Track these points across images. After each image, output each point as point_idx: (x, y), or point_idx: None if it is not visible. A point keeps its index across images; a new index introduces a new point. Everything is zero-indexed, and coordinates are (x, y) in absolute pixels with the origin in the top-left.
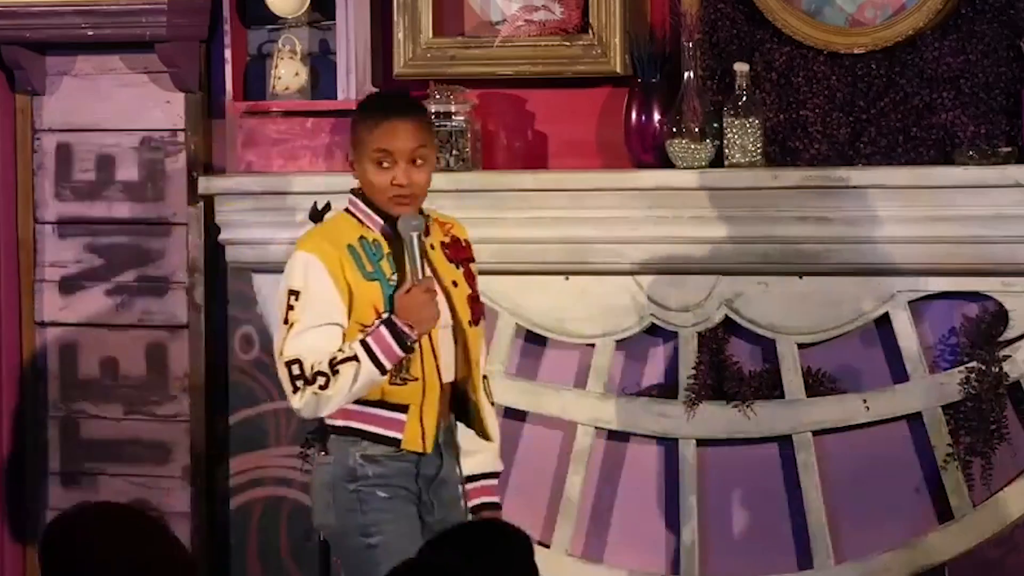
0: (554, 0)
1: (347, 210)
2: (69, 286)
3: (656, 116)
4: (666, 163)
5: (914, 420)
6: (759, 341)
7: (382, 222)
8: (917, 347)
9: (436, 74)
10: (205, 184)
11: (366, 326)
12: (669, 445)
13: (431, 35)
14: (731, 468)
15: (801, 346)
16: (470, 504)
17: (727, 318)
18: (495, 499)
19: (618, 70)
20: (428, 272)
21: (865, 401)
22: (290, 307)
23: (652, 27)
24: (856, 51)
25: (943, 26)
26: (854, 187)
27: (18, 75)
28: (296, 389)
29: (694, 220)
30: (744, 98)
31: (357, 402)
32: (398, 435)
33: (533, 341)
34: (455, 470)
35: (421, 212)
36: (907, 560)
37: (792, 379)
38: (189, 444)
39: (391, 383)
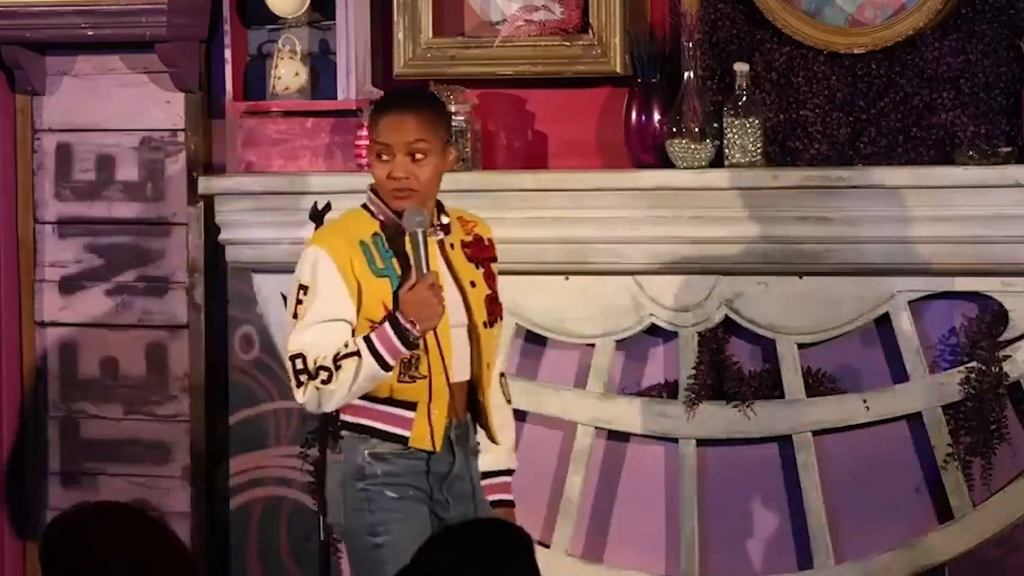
0: (554, 0)
1: (364, 206)
2: (69, 286)
3: (656, 116)
4: (666, 163)
5: (914, 420)
6: (759, 341)
7: (385, 217)
8: (917, 347)
9: (436, 74)
10: (205, 184)
11: (375, 322)
12: (669, 445)
13: (431, 35)
14: (731, 468)
15: (801, 346)
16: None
17: (727, 318)
18: (509, 496)
19: (618, 70)
20: (434, 268)
21: (865, 401)
22: (299, 301)
23: (652, 27)
24: (856, 51)
25: (943, 26)
26: (854, 187)
27: (18, 75)
28: (300, 383)
29: (694, 220)
30: (744, 98)
31: (367, 398)
32: (406, 432)
33: (533, 341)
34: (469, 466)
35: (440, 209)
36: (907, 560)
37: (792, 379)
38: (189, 444)
39: (399, 380)
